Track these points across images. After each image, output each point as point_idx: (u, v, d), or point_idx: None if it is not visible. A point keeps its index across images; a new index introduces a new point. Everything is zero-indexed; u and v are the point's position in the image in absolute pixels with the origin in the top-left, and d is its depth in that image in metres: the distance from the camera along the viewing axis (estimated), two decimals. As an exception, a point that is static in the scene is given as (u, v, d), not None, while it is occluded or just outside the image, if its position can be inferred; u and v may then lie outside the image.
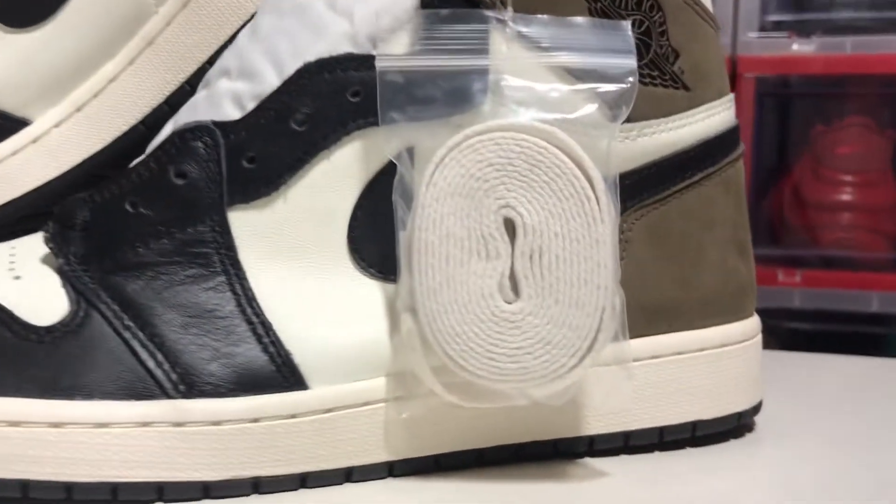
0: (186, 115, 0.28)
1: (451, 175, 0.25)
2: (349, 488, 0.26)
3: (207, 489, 0.25)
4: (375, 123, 0.26)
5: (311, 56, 0.27)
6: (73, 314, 0.26)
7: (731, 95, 0.32)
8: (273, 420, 0.25)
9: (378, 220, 0.27)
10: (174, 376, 0.25)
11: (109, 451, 0.24)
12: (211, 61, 0.36)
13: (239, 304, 0.26)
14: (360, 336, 0.26)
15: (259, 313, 0.26)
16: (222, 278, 0.26)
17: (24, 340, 0.25)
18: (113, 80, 0.37)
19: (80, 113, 0.37)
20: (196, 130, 0.27)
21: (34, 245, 0.29)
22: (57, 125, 0.37)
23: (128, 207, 0.27)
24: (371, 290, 0.27)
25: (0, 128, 0.37)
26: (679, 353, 0.30)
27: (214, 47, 0.36)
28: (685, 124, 0.30)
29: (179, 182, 0.27)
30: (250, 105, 0.27)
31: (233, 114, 0.27)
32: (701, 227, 0.30)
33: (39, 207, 0.38)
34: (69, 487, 0.24)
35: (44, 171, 0.37)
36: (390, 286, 0.27)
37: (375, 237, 0.27)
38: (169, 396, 0.25)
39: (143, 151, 0.37)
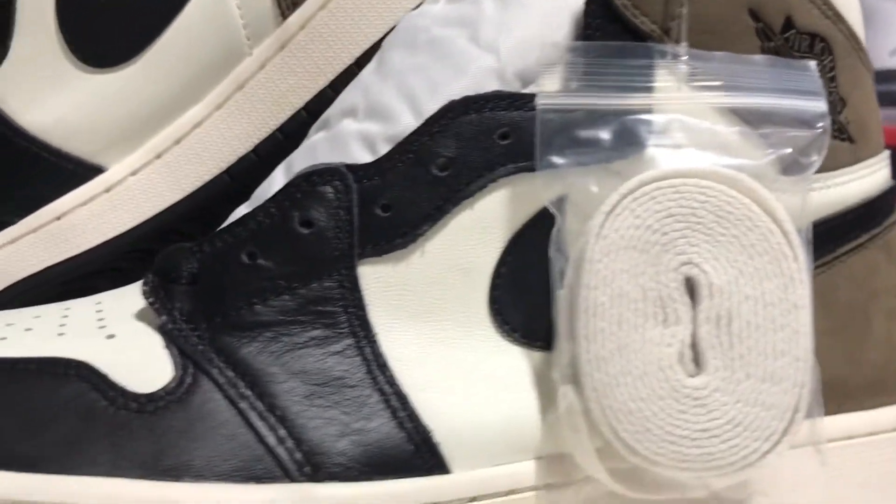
0: (303, 159, 0.25)
1: (623, 226, 0.22)
2: None
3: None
4: (525, 169, 0.24)
5: (451, 95, 0.24)
6: (178, 380, 0.22)
7: (888, 152, 0.30)
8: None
9: (524, 278, 0.24)
10: (299, 455, 0.22)
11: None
12: (307, 108, 0.34)
13: (370, 372, 0.23)
14: (506, 412, 0.23)
15: (392, 382, 0.23)
16: (350, 341, 0.23)
17: (122, 409, 0.21)
18: (197, 125, 0.34)
19: (160, 160, 0.34)
20: (325, 173, 0.24)
21: (126, 300, 0.25)
22: (133, 173, 0.34)
23: (244, 258, 0.23)
24: (515, 359, 0.24)
25: (71, 175, 0.34)
26: (850, 438, 0.26)
27: (312, 93, 0.33)
28: (850, 180, 0.27)
29: (305, 231, 0.23)
30: (383, 148, 0.24)
31: (362, 157, 0.24)
32: (867, 297, 0.27)
33: (108, 263, 0.35)
34: None
35: (116, 222, 0.34)
36: (537, 354, 0.24)
37: (521, 298, 0.24)
38: (293, 479, 0.21)
39: (227, 203, 0.35)
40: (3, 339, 0.24)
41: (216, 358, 0.22)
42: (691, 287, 0.22)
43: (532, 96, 0.24)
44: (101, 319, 0.25)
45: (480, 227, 0.24)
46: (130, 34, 0.33)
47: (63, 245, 0.34)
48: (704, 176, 0.22)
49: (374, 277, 0.23)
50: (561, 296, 0.22)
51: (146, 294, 0.24)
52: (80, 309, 0.25)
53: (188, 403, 0.22)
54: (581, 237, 0.22)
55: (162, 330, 0.23)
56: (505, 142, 0.24)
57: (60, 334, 0.24)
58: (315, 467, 0.21)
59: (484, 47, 0.25)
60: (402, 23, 0.27)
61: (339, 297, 0.23)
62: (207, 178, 0.34)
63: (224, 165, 0.34)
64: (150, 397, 0.22)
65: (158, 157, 0.34)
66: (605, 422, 0.21)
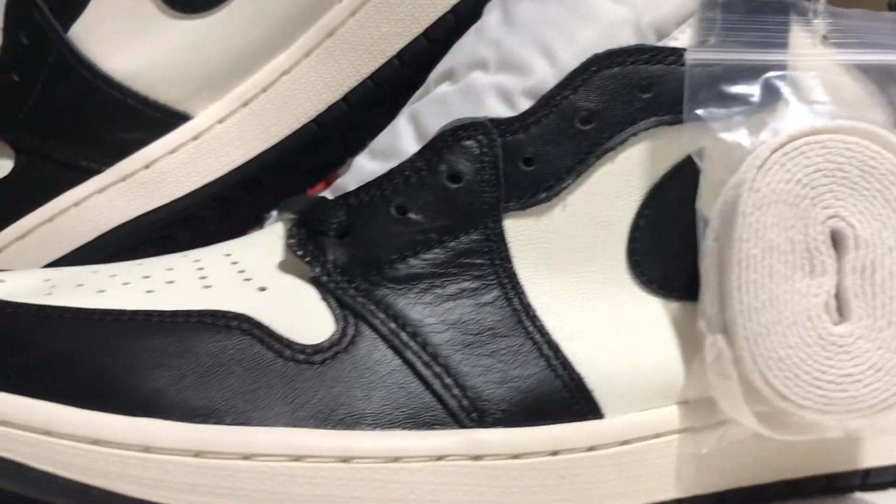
0: (433, 112, 0.26)
1: (774, 180, 0.23)
2: None
3: (504, 531, 0.22)
4: (666, 122, 0.24)
5: (586, 46, 0.25)
6: (341, 331, 0.22)
7: None
8: (572, 453, 0.23)
9: (662, 230, 0.24)
10: (465, 402, 0.22)
11: (405, 488, 0.21)
12: (400, 56, 0.34)
13: (520, 322, 0.23)
14: (652, 359, 0.24)
15: (543, 332, 0.23)
16: (499, 292, 0.24)
17: (290, 361, 0.22)
18: (285, 73, 0.34)
19: (247, 108, 0.34)
20: (470, 128, 0.24)
21: (258, 250, 0.26)
22: (220, 121, 0.34)
23: (393, 212, 0.24)
24: (653, 308, 0.24)
25: (157, 122, 0.34)
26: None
27: (405, 41, 0.33)
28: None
29: (453, 185, 0.24)
30: (522, 101, 0.24)
31: (500, 110, 0.24)
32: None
33: (194, 212, 0.35)
34: None
35: (204, 171, 0.34)
36: (674, 304, 0.24)
37: (658, 249, 0.24)
38: (462, 425, 0.22)
39: (314, 152, 0.35)
40: (150, 291, 0.24)
41: (376, 309, 0.23)
42: (836, 239, 0.23)
43: (671, 50, 0.24)
44: (241, 272, 0.25)
45: (620, 180, 0.24)
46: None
47: (153, 194, 0.33)
48: (851, 132, 0.22)
49: (519, 231, 0.24)
50: (709, 248, 0.23)
51: (294, 246, 0.24)
52: (212, 260, 0.25)
53: (354, 354, 0.22)
54: (728, 189, 0.23)
55: (316, 282, 0.23)
56: (646, 95, 0.24)
57: (207, 287, 0.24)
58: (481, 413, 0.22)
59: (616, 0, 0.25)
60: None
61: (487, 249, 0.24)
62: (295, 126, 0.34)
63: (312, 114, 0.34)
64: (317, 349, 0.22)
65: (245, 105, 0.34)
66: (755, 369, 0.22)
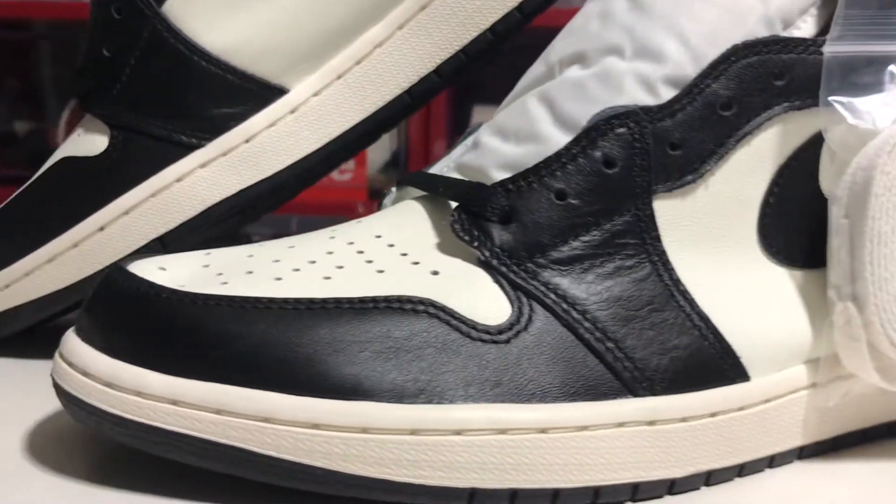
0: (569, 95, 0.27)
1: None
2: (770, 474, 0.26)
3: (672, 485, 0.25)
4: (795, 108, 0.26)
5: (719, 33, 0.26)
6: (518, 311, 0.24)
7: None
8: (726, 414, 0.25)
9: (788, 205, 0.27)
10: (636, 373, 0.24)
11: (593, 454, 0.23)
12: (493, 29, 0.35)
13: (672, 296, 0.25)
14: (783, 324, 0.26)
15: (693, 304, 0.25)
16: (650, 269, 0.25)
17: (477, 341, 0.24)
18: (379, 45, 0.35)
19: (341, 81, 0.35)
20: (623, 116, 0.25)
21: (412, 230, 0.27)
22: (316, 94, 0.35)
23: (553, 198, 0.25)
24: (781, 277, 0.27)
25: (255, 96, 0.34)
26: None
27: (499, 14, 0.34)
28: None
29: (609, 171, 0.25)
30: (663, 88, 0.26)
31: (641, 97, 0.26)
32: None
33: (289, 185, 0.36)
34: (556, 493, 0.23)
35: (303, 144, 0.35)
36: (797, 272, 0.27)
37: (784, 224, 0.27)
38: (636, 394, 0.24)
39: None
40: (328, 278, 0.25)
41: (546, 290, 0.25)
42: None
43: (801, 40, 0.26)
44: (404, 254, 0.26)
45: (755, 161, 0.26)
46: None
47: (253, 168, 0.34)
48: None
49: (666, 211, 0.26)
50: (840, 224, 0.25)
51: (459, 231, 0.25)
52: (368, 243, 0.27)
53: (534, 333, 0.24)
54: (857, 170, 0.25)
55: (486, 266, 0.25)
56: (779, 82, 0.26)
57: (380, 272, 0.25)
58: (650, 382, 0.24)
59: None
60: None
61: (639, 229, 0.25)
62: (388, 98, 0.35)
63: (405, 85, 0.35)
64: (500, 329, 0.24)
65: (340, 77, 0.35)
66: (883, 333, 0.25)
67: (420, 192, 0.30)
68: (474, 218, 0.26)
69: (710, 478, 0.25)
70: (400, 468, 0.22)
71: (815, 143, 0.27)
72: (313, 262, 0.26)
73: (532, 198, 0.26)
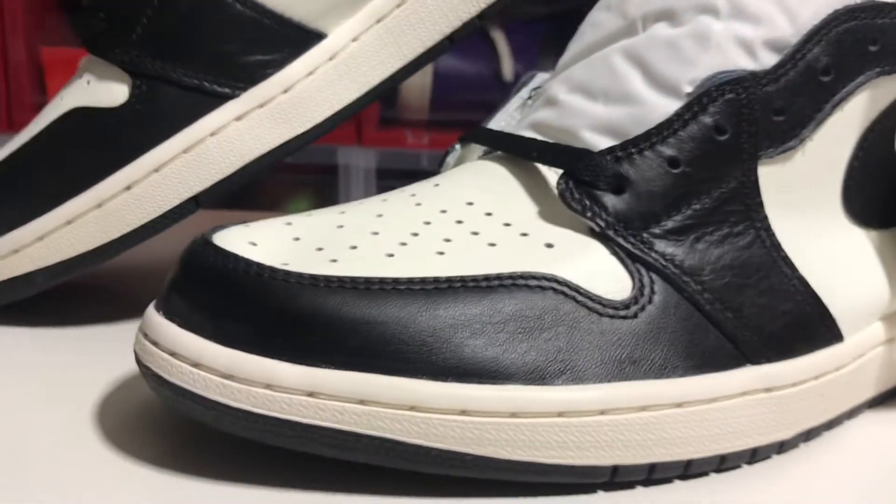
0: (662, 55, 0.26)
1: None
2: (850, 425, 0.27)
3: (781, 446, 0.25)
4: (886, 72, 0.26)
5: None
6: (640, 283, 0.24)
7: None
8: (828, 375, 0.26)
9: (868, 169, 0.27)
10: (755, 341, 0.25)
11: (722, 424, 0.24)
12: None
13: (775, 262, 0.26)
14: (867, 283, 0.27)
15: (794, 269, 0.26)
16: (754, 235, 0.26)
17: (604, 317, 0.23)
18: (422, -13, 0.33)
19: (381, 25, 0.33)
20: (734, 83, 0.25)
21: (512, 200, 0.26)
22: (355, 39, 0.32)
23: (666, 166, 0.25)
24: (861, 238, 0.27)
25: (292, 41, 0.32)
26: None
27: None
28: None
29: (721, 138, 0.25)
30: (764, 52, 0.26)
31: (742, 61, 0.26)
32: None
33: (328, 132, 0.33)
34: (688, 463, 0.23)
35: (342, 93, 0.33)
36: (873, 233, 0.28)
37: (864, 185, 0.27)
38: (754, 363, 0.24)
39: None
40: (441, 253, 0.24)
41: (663, 261, 0.24)
42: None
43: (893, 5, 0.26)
44: (507, 224, 0.25)
45: (846, 126, 0.26)
46: None
47: (293, 120, 0.32)
48: None
49: (767, 177, 0.26)
50: None
51: (571, 201, 0.24)
52: (466, 212, 0.25)
53: (657, 305, 0.24)
54: None
55: (601, 237, 0.24)
56: (873, 48, 0.26)
57: (491, 245, 0.24)
58: (766, 349, 0.25)
59: None
60: None
61: (744, 196, 0.25)
62: (430, 44, 0.33)
63: (447, 30, 0.33)
64: (626, 303, 0.24)
65: (379, 21, 0.33)
66: None
67: (486, 150, 0.29)
68: (584, 186, 0.25)
69: (809, 435, 0.26)
70: (548, 450, 0.22)
71: (894, 108, 0.28)
72: (416, 234, 0.25)
73: (645, 166, 0.25)
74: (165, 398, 0.23)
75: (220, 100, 0.31)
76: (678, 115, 0.25)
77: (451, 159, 0.31)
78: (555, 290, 0.24)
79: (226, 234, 0.25)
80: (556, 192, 0.26)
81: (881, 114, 0.27)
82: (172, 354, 0.23)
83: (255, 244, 0.24)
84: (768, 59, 0.26)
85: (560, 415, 0.22)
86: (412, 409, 0.22)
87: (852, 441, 0.27)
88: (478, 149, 0.30)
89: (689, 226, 0.25)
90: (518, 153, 0.27)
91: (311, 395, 0.22)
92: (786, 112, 0.26)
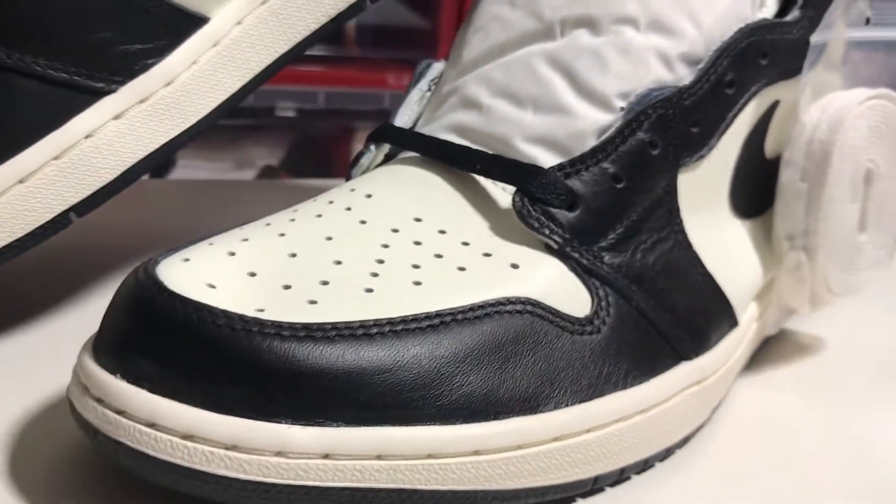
0: (588, 64, 0.26)
1: (853, 134, 0.29)
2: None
3: (699, 427, 0.28)
4: (769, 83, 0.29)
5: (722, 11, 0.27)
6: (597, 298, 0.24)
7: None
8: (731, 358, 0.29)
9: (746, 167, 0.30)
10: (687, 339, 0.26)
11: (671, 420, 0.26)
12: None
13: (690, 261, 0.28)
14: (749, 269, 0.30)
15: (703, 265, 0.28)
16: (673, 238, 0.27)
17: (574, 335, 0.24)
18: (307, -35, 0.29)
19: (265, 7, 0.30)
20: (666, 101, 0.26)
21: (461, 215, 0.25)
22: (239, 22, 0.29)
23: (612, 182, 0.25)
24: (740, 229, 0.30)
25: (175, 28, 0.27)
26: None
27: None
28: None
29: (654, 152, 0.26)
30: (679, 65, 0.27)
31: (662, 73, 0.27)
32: None
33: (216, 122, 0.29)
34: (646, 461, 0.25)
35: (227, 82, 0.30)
36: (748, 222, 0.31)
37: (743, 183, 0.30)
38: (686, 359, 0.26)
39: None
40: (418, 283, 0.23)
41: (613, 273, 0.25)
42: (867, 175, 0.31)
43: (783, 23, 0.29)
44: (466, 243, 0.24)
45: (737, 132, 0.29)
46: None
47: (177, 115, 0.28)
48: (888, 97, 0.30)
49: (683, 183, 0.27)
50: (797, 187, 0.29)
51: (528, 219, 0.24)
52: (416, 229, 0.24)
53: (615, 317, 0.25)
54: (816, 141, 0.29)
55: (559, 254, 0.25)
56: (764, 62, 0.28)
57: (461, 269, 0.24)
58: (694, 344, 0.27)
59: None
60: None
61: (667, 203, 0.27)
62: (315, 26, 0.31)
63: (332, 12, 0.31)
64: (589, 319, 0.24)
65: (264, 3, 0.29)
66: (824, 277, 0.30)
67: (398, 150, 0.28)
68: (538, 203, 0.25)
69: (716, 410, 0.30)
70: (547, 474, 0.23)
71: (768, 114, 0.31)
72: (381, 261, 0.24)
73: (593, 182, 0.26)
74: (144, 473, 0.21)
75: (94, 96, 0.26)
76: (619, 132, 0.26)
77: (365, 161, 0.29)
78: (531, 312, 0.24)
79: (175, 275, 0.22)
80: (499, 203, 0.26)
81: (759, 119, 0.30)
82: (152, 426, 0.20)
83: (213, 286, 0.22)
84: (682, 72, 0.28)
85: (556, 440, 0.23)
86: (429, 456, 0.21)
87: (741, 407, 0.30)
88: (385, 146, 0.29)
89: (629, 236, 0.27)
90: (457, 164, 0.27)
91: (326, 457, 0.20)
92: (700, 124, 0.28)
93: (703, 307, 0.28)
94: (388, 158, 0.30)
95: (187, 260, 0.23)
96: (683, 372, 0.27)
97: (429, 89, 0.31)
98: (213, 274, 0.22)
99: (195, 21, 0.28)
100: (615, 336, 0.26)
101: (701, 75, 0.28)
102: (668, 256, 0.28)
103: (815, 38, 0.30)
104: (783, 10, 0.31)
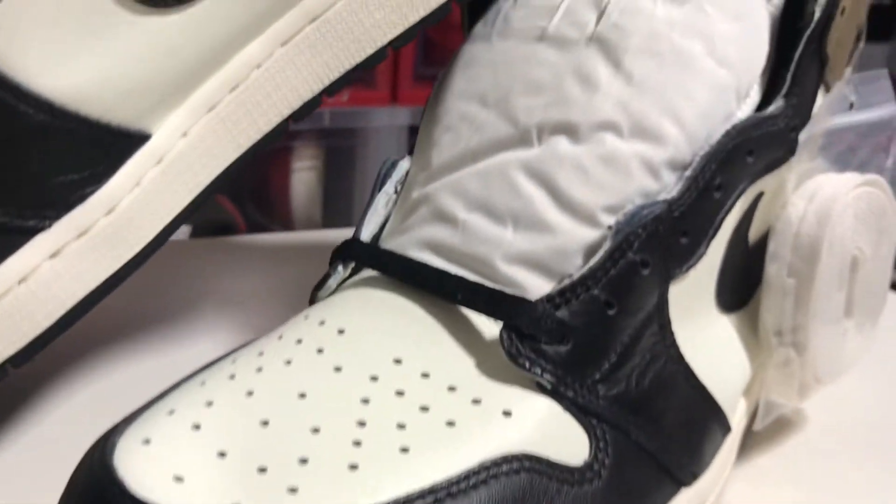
0: (573, 179, 0.25)
1: (843, 224, 0.28)
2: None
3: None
4: (755, 180, 0.27)
5: (705, 111, 0.26)
6: (595, 439, 0.23)
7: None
8: (726, 469, 0.27)
9: (731, 262, 0.28)
10: (685, 464, 0.25)
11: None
12: (393, 44, 0.28)
13: (683, 375, 0.26)
14: (738, 365, 0.29)
15: (694, 377, 0.26)
16: (666, 354, 0.26)
17: (574, 486, 0.22)
18: (257, 66, 0.27)
19: (213, 114, 0.27)
20: (656, 219, 0.24)
21: (445, 354, 0.23)
22: (185, 134, 0.26)
23: (604, 309, 0.23)
24: (726, 324, 0.29)
25: (114, 150, 0.25)
26: None
27: (400, 29, 0.28)
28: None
29: (645, 272, 0.24)
30: (665, 172, 0.25)
31: (648, 183, 0.25)
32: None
33: (156, 250, 0.27)
34: None
35: (173, 201, 0.27)
36: (732, 316, 0.29)
37: (730, 278, 0.29)
38: (686, 484, 0.25)
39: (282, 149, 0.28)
40: (405, 450, 0.20)
41: (610, 407, 0.23)
42: (853, 262, 0.30)
43: (769, 118, 0.27)
44: (452, 388, 0.22)
45: (724, 232, 0.27)
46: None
47: (121, 245, 0.25)
48: (875, 184, 0.29)
49: (673, 295, 0.26)
50: (787, 283, 0.28)
51: (519, 359, 0.22)
52: (396, 376, 0.22)
53: (614, 457, 0.23)
54: (804, 235, 0.28)
55: (553, 394, 0.23)
56: (751, 159, 0.27)
57: (450, 424, 0.22)
58: (693, 468, 0.25)
59: (720, 62, 0.26)
60: (632, 22, 0.26)
61: (657, 318, 0.25)
62: (268, 128, 0.28)
63: (287, 112, 0.28)
64: (589, 464, 0.22)
65: (211, 110, 0.27)
66: (813, 371, 0.29)
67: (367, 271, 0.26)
68: (527, 340, 0.23)
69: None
70: None
71: (752, 206, 0.29)
72: (362, 423, 0.22)
73: (584, 311, 0.24)
74: None
75: (26, 236, 0.24)
76: (609, 256, 0.24)
77: (333, 283, 0.27)
78: (528, 469, 0.22)
79: (135, 466, 0.19)
80: (484, 335, 0.24)
81: (743, 215, 0.29)
82: None
83: (180, 478, 0.20)
84: (668, 178, 0.26)
85: None
86: None
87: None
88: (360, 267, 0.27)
89: (622, 363, 0.25)
90: (436, 291, 0.25)
91: None
92: (689, 233, 0.26)
93: (698, 420, 0.27)
94: (355, 270, 0.28)
95: (148, 442, 0.21)
96: (684, 499, 0.26)
97: (395, 191, 0.29)
98: (177, 460, 0.20)
99: (135, 140, 0.25)
100: (616, 479, 0.24)
101: (689, 184, 0.26)
102: (662, 373, 0.26)
103: (803, 136, 0.28)
104: (766, 96, 0.30)
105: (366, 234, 0.28)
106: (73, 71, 0.23)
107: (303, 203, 0.94)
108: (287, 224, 0.95)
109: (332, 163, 0.94)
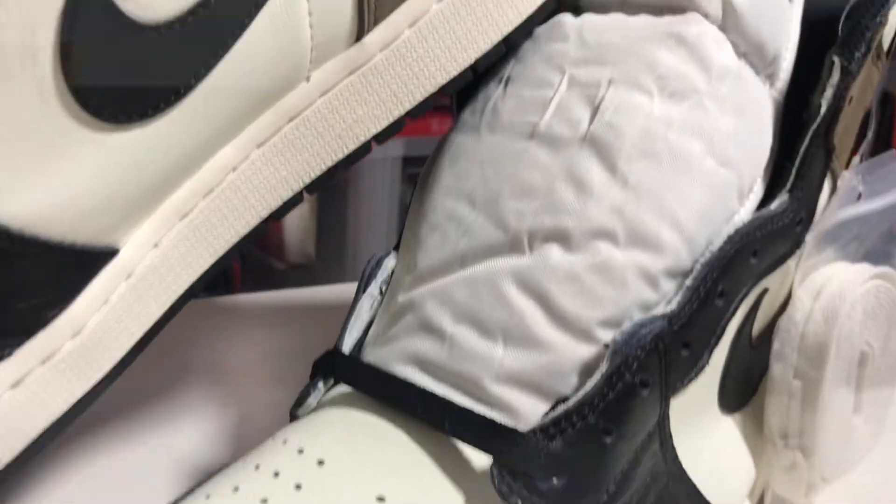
0: (567, 292, 0.23)
1: (851, 322, 0.26)
2: None
3: None
4: (758, 281, 0.26)
5: (705, 212, 0.24)
6: None
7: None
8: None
9: (736, 364, 0.27)
10: None
11: None
12: (377, 138, 0.27)
13: (686, 493, 0.25)
14: (743, 468, 0.27)
15: (697, 492, 0.25)
16: (665, 470, 0.24)
17: None
18: (232, 170, 0.26)
19: (185, 222, 0.26)
20: (657, 338, 0.23)
21: (429, 490, 0.21)
22: (156, 245, 0.25)
23: (602, 438, 0.22)
24: (729, 425, 0.28)
25: (78, 271, 0.23)
26: None
27: (383, 124, 0.27)
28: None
29: (645, 393, 0.23)
30: (664, 281, 0.24)
31: (646, 293, 0.24)
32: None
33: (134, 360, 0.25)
34: None
35: (144, 316, 0.26)
36: (737, 416, 0.28)
37: (733, 379, 0.27)
38: None
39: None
40: None
41: None
42: (861, 357, 0.28)
43: (769, 217, 0.25)
44: None
45: (727, 337, 0.26)
46: (182, 63, 0.21)
47: (88, 369, 0.24)
48: (887, 277, 0.27)
49: (673, 408, 0.24)
50: (794, 386, 0.27)
51: (507, 498, 0.21)
52: None
53: None
54: (810, 335, 0.26)
55: None
56: (754, 260, 0.25)
57: None
58: None
59: (720, 160, 0.25)
60: (627, 121, 0.24)
61: (657, 436, 0.24)
62: (245, 231, 0.27)
63: (265, 213, 0.27)
64: None
65: (184, 217, 0.25)
66: (820, 473, 0.28)
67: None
68: (519, 476, 0.22)
69: None
70: None
71: (756, 305, 0.28)
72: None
73: (580, 441, 0.23)
74: None
75: (-16, 367, 0.22)
76: (607, 380, 0.23)
77: (312, 400, 0.26)
78: None
79: None
80: (473, 465, 0.23)
81: (745, 317, 0.28)
82: None
83: None
84: (667, 287, 0.25)
85: None
86: None
87: None
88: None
89: (620, 491, 0.23)
90: (421, 416, 0.23)
91: None
92: (691, 346, 0.25)
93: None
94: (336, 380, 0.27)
95: None
96: None
97: (380, 292, 0.28)
98: None
99: (102, 256, 0.23)
100: None
101: (690, 294, 0.24)
102: (663, 495, 0.25)
103: (810, 236, 0.27)
104: (769, 188, 0.29)
105: (348, 343, 0.27)
106: (32, 194, 0.21)
107: (295, 234, 0.93)
108: (280, 255, 0.93)
109: (325, 193, 0.93)
